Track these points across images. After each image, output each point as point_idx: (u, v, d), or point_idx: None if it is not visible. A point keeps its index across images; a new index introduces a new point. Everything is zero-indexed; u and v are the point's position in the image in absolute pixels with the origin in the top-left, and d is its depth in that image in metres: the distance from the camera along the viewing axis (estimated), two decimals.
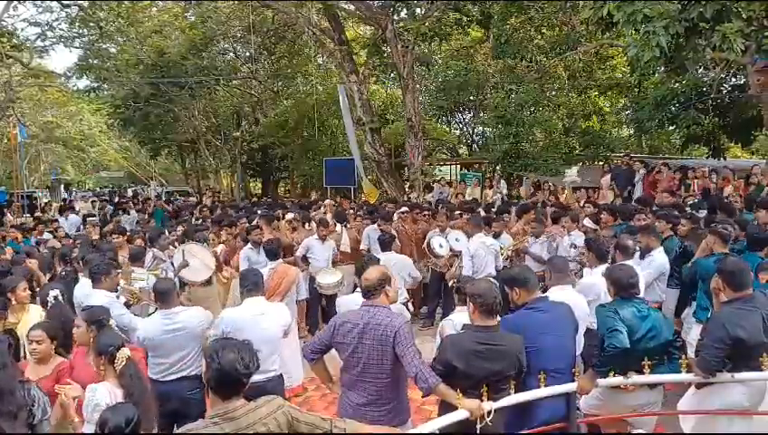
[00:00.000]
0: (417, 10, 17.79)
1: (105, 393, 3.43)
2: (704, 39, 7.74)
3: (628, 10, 7.66)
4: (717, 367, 3.76)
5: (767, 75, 11.03)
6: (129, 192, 33.56)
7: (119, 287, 5.61)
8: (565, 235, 7.96)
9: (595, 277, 5.20)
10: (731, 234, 5.62)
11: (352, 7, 18.40)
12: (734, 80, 15.94)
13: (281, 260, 6.71)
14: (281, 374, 4.79)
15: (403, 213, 10.12)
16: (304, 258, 8.29)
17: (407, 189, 18.51)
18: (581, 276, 6.03)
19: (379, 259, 5.23)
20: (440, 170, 25.59)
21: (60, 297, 5.15)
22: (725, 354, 3.75)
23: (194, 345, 4.62)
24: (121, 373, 3.53)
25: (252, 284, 4.76)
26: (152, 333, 4.55)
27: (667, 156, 20.57)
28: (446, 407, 3.56)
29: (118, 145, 36.41)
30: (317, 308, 8.49)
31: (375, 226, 9.08)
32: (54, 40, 22.28)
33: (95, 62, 23.86)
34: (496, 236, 8.23)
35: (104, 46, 24.26)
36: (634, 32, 7.94)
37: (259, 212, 10.94)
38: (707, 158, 16.97)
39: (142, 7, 23.02)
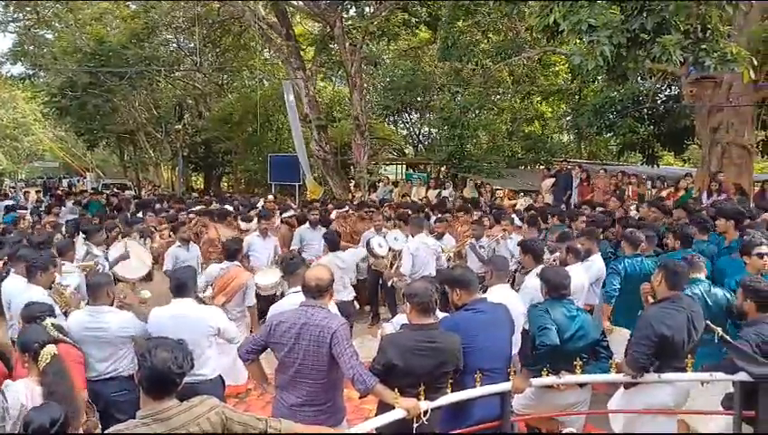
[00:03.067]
0: (366, 9, 17.82)
1: (19, 391, 3.30)
2: (644, 50, 8.02)
3: (573, 19, 7.85)
4: (645, 365, 3.91)
5: (700, 87, 11.59)
6: (65, 183, 32.33)
7: (52, 286, 5.36)
8: (508, 237, 8.12)
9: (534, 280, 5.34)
10: (640, 239, 6.12)
11: (301, 3, 18.26)
12: (668, 90, 16.63)
13: (236, 262, 6.52)
14: (212, 378, 4.60)
15: (342, 212, 10.12)
16: (245, 256, 8.16)
17: (352, 188, 18.52)
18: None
19: (303, 259, 5.13)
20: (386, 170, 25.69)
21: None
22: (653, 352, 3.90)
23: (119, 348, 4.45)
24: (44, 371, 3.41)
25: (174, 287, 4.57)
26: (74, 329, 4.36)
27: (604, 162, 21.26)
28: (383, 407, 3.58)
29: (53, 135, 35.05)
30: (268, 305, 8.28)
31: (306, 225, 9.04)
32: None
33: (31, 48, 22.92)
34: (439, 237, 8.31)
35: (41, 32, 23.31)
36: (579, 41, 8.15)
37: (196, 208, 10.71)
38: (642, 165, 17.60)
39: None
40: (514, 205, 12.53)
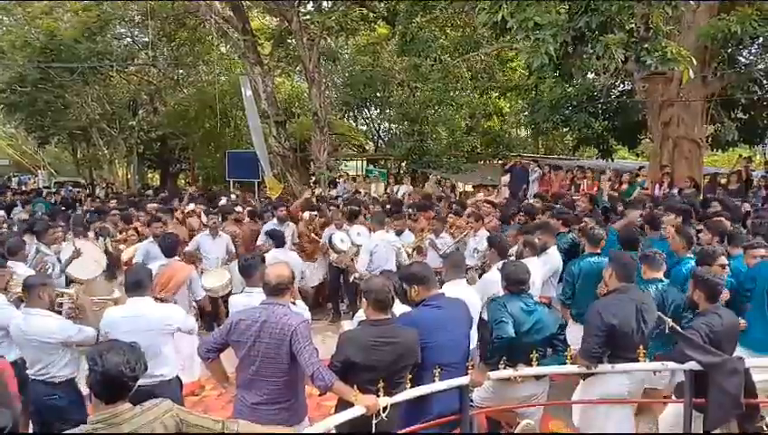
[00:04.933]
0: (324, 3, 17.70)
1: None
2: (589, 48, 8.18)
3: (520, 17, 7.97)
4: (597, 354, 4.01)
5: (651, 83, 11.86)
6: (14, 182, 31.29)
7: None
8: (473, 235, 8.15)
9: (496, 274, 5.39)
10: (600, 235, 6.12)
11: None
12: (622, 86, 16.97)
13: (177, 257, 6.41)
14: (175, 378, 4.54)
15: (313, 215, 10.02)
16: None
17: (311, 184, 18.42)
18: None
19: (262, 259, 5.08)
20: (346, 166, 25.63)
21: None
22: (602, 342, 3.99)
23: (47, 353, 4.30)
24: None
25: (131, 283, 4.47)
26: (12, 331, 4.33)
27: (561, 156, 21.62)
28: (343, 404, 3.57)
29: (2, 131, 33.86)
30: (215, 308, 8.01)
31: (274, 221, 8.97)
32: None
33: None
34: (399, 233, 8.32)
35: None
36: (525, 38, 8.27)
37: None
38: (597, 159, 17.94)
39: None
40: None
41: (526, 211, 8.52)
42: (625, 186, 12.16)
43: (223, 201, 12.12)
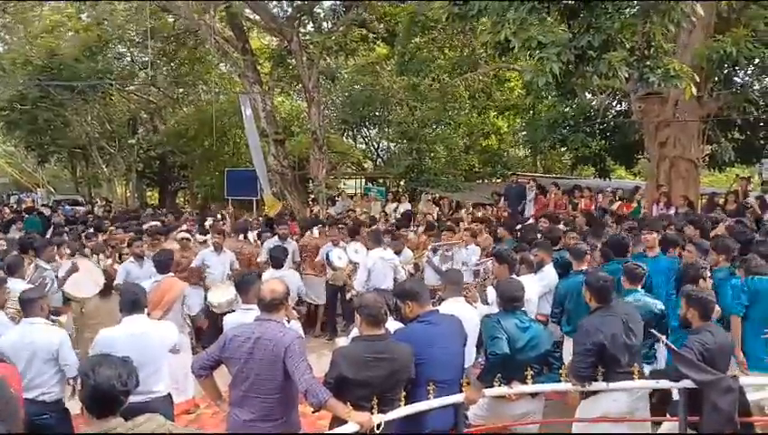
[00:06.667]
0: (324, 24, 17.86)
1: None
2: (591, 66, 8.25)
3: (523, 36, 8.03)
4: (587, 373, 4.00)
5: (648, 103, 11.95)
6: (12, 200, 31.31)
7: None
8: (463, 247, 8.21)
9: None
10: (585, 251, 6.19)
11: (257, 17, 18.19)
12: (618, 106, 17.11)
13: (171, 273, 6.40)
14: (168, 395, 4.53)
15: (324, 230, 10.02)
16: (199, 272, 8.04)
17: (310, 202, 18.43)
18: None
19: (259, 275, 5.07)
20: (345, 184, 25.68)
21: None
22: (592, 361, 3.99)
23: (45, 367, 4.30)
24: None
25: (129, 302, 4.46)
26: (7, 343, 4.29)
27: (558, 175, 21.68)
28: (337, 421, 3.56)
29: (2, 149, 33.95)
30: (214, 325, 8.05)
31: (275, 239, 8.97)
32: None
33: None
34: (397, 252, 8.32)
35: None
36: (529, 57, 8.34)
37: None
38: (594, 178, 18.01)
39: (32, 6, 21.67)
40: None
41: (546, 237, 8.11)
42: (631, 205, 12.24)
43: (209, 222, 12.12)
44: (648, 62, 8.14)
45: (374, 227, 10.12)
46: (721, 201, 11.65)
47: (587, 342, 4.00)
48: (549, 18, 8.25)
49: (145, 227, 10.19)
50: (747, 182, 12.54)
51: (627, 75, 8.15)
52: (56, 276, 6.85)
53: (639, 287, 5.17)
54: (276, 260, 7.27)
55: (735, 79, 12.87)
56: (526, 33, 8.07)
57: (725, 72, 12.00)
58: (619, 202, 12.65)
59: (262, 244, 9.40)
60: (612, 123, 16.27)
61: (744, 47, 9.55)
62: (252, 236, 10.31)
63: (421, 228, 10.58)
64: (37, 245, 7.59)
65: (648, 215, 10.89)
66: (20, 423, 3.41)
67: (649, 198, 12.25)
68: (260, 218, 14.44)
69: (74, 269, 6.63)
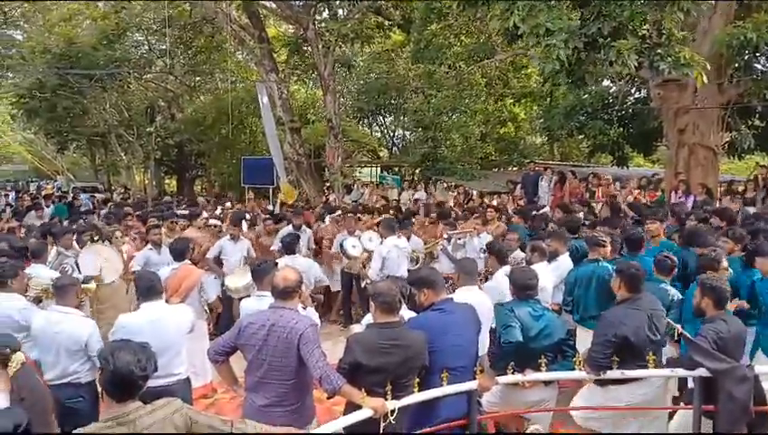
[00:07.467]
0: (339, 11, 17.82)
1: None
2: (602, 54, 8.17)
3: (532, 23, 7.97)
4: (604, 364, 4.00)
5: (666, 90, 11.80)
6: (32, 187, 31.72)
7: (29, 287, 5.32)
8: (475, 235, 8.22)
9: (497, 280, 5.44)
10: (599, 240, 6.10)
11: (273, 5, 18.20)
12: (637, 93, 16.89)
13: (187, 261, 6.44)
14: (187, 378, 4.64)
15: (335, 217, 10.08)
16: (218, 259, 8.13)
17: (326, 190, 18.49)
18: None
19: (275, 264, 5.10)
20: (360, 172, 25.70)
21: None
22: (612, 352, 3.99)
23: (76, 350, 4.38)
24: (14, 378, 3.37)
25: (145, 289, 4.54)
26: (36, 329, 4.38)
27: (576, 163, 21.52)
28: (351, 407, 3.61)
29: (22, 137, 34.36)
30: (229, 311, 7.95)
31: (290, 227, 9.02)
32: None
33: None
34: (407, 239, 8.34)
35: (8, 32, 22.83)
36: (537, 44, 8.28)
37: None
38: (612, 166, 17.85)
39: None
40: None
41: (568, 229, 7.79)
42: (656, 193, 12.16)
43: (218, 210, 12.28)
44: (658, 50, 8.05)
45: (386, 216, 10.13)
46: (740, 188, 11.51)
47: (608, 333, 4.00)
48: (559, 5, 8.16)
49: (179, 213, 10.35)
50: (767, 170, 12.37)
51: (636, 63, 8.06)
52: (76, 263, 6.97)
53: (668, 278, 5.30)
54: (288, 246, 7.29)
55: (756, 65, 12.61)
56: (534, 19, 8.02)
57: (746, 58, 11.75)
58: (638, 191, 12.57)
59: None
60: (631, 110, 16.07)
61: (765, 33, 9.37)
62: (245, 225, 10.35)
63: (432, 216, 10.53)
64: (55, 231, 7.73)
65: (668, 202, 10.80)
66: (48, 409, 3.52)
67: (668, 185, 12.14)
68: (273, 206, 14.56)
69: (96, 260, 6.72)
